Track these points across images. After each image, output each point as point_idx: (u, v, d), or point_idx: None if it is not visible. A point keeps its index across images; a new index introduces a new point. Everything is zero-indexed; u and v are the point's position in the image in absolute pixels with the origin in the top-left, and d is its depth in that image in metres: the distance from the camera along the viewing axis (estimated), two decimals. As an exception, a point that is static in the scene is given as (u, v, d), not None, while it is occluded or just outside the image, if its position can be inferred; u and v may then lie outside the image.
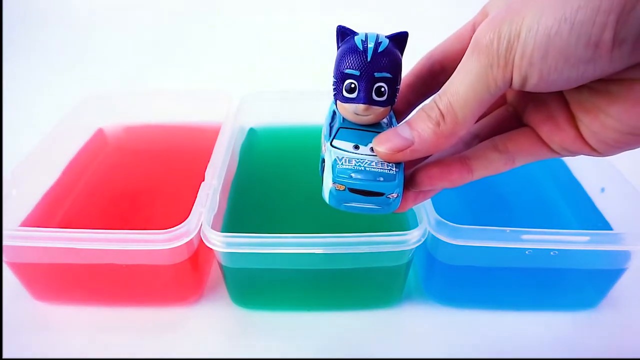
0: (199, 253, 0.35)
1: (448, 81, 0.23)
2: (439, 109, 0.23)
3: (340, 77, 0.26)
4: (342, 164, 0.25)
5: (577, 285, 0.36)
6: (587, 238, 0.31)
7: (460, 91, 0.22)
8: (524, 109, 0.27)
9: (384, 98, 0.25)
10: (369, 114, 0.26)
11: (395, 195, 0.25)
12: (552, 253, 0.32)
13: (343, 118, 0.27)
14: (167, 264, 0.33)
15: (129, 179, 0.45)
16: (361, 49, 0.25)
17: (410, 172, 0.26)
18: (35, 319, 0.36)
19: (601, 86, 0.22)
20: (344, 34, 0.27)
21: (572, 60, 0.20)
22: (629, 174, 0.38)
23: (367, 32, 0.26)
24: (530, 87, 0.21)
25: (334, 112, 0.28)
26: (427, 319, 0.37)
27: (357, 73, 0.25)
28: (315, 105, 0.51)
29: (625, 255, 0.33)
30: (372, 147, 0.26)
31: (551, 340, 0.35)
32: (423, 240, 0.32)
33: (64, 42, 0.89)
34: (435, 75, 0.27)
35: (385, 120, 0.27)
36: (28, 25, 0.93)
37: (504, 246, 0.32)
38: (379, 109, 0.26)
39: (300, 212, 0.40)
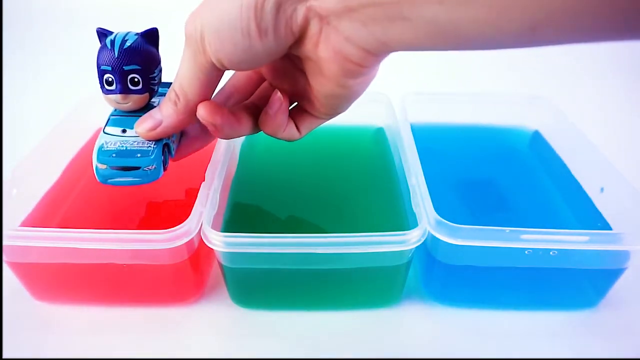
0: (199, 253, 0.35)
1: (178, 68, 0.29)
2: (175, 91, 0.29)
3: (99, 73, 0.30)
4: (107, 147, 0.30)
5: (577, 285, 0.36)
6: (586, 238, 0.31)
7: (184, 74, 0.28)
8: (277, 81, 0.32)
9: (140, 87, 0.30)
10: (128, 102, 0.31)
11: (152, 167, 0.30)
12: (551, 253, 0.32)
13: (115, 108, 0.32)
14: (167, 263, 0.33)
15: (129, 179, 0.45)
16: (109, 47, 0.30)
17: None
18: (35, 319, 0.36)
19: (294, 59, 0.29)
20: (103, 35, 0.31)
21: (239, 48, 0.25)
22: (629, 174, 0.38)
23: (119, 32, 0.31)
24: (229, 67, 0.27)
25: None
26: (427, 319, 0.37)
27: (109, 68, 0.30)
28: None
29: (624, 255, 0.33)
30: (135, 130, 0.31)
31: (551, 340, 0.35)
32: (423, 240, 0.32)
33: (64, 41, 0.89)
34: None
35: (158, 102, 0.32)
36: (28, 25, 0.93)
37: (503, 246, 0.32)
38: (136, 97, 0.31)
39: (300, 212, 0.40)
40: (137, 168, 0.30)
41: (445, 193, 0.42)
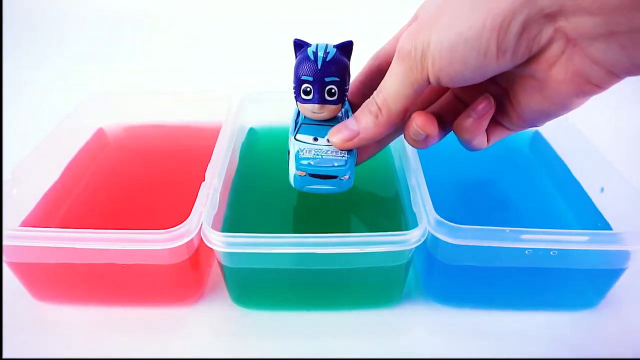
0: (199, 253, 0.35)
1: (383, 80, 0.29)
2: (377, 104, 0.29)
3: (297, 82, 0.32)
4: (303, 154, 0.31)
5: (577, 285, 0.36)
6: (586, 238, 0.31)
7: (391, 88, 0.28)
8: (466, 94, 0.32)
9: (335, 98, 0.31)
10: (323, 112, 0.32)
11: (347, 177, 0.31)
12: (552, 253, 0.32)
13: (304, 115, 0.33)
14: (167, 263, 0.33)
15: (129, 179, 0.45)
16: (312, 59, 0.31)
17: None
18: (35, 319, 0.36)
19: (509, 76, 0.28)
20: (299, 46, 0.33)
21: (470, 66, 0.25)
22: (629, 174, 0.38)
23: (318, 43, 0.32)
24: (444, 84, 0.26)
25: (298, 111, 0.34)
26: (427, 319, 0.37)
27: (311, 79, 0.31)
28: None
29: (624, 255, 0.33)
30: (328, 139, 0.32)
31: (551, 340, 0.35)
32: (423, 240, 0.32)
33: (64, 42, 0.89)
34: (382, 72, 0.32)
35: (340, 114, 0.33)
36: (28, 25, 0.93)
37: (503, 246, 0.32)
38: (331, 107, 0.32)
39: (300, 211, 0.40)
40: (334, 177, 0.31)
41: (445, 193, 0.42)
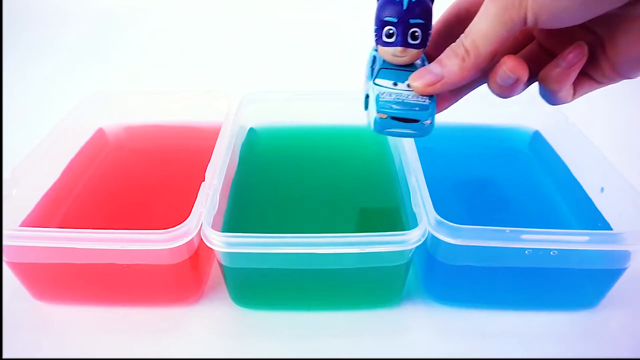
0: (199, 253, 0.35)
1: (471, 23, 0.28)
2: (464, 46, 0.28)
3: (380, 24, 0.30)
4: (384, 97, 0.30)
5: (577, 285, 0.36)
6: (586, 238, 0.31)
7: (481, 29, 0.27)
8: (554, 42, 0.30)
9: (418, 41, 0.30)
10: (405, 55, 0.30)
11: (429, 122, 0.30)
12: (552, 253, 0.32)
13: (383, 60, 0.32)
14: (167, 263, 0.33)
15: (129, 179, 0.45)
16: (398, 0, 0.30)
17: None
18: (35, 319, 0.36)
19: (611, 19, 0.26)
20: None
21: (578, 1, 0.23)
22: (629, 174, 0.38)
23: None
24: (541, 24, 0.25)
25: (374, 57, 0.33)
26: (427, 319, 0.37)
27: (395, 20, 0.30)
28: (315, 105, 0.51)
29: (625, 255, 0.33)
30: (408, 84, 0.31)
31: (551, 340, 0.35)
32: (423, 240, 0.32)
33: (64, 41, 0.89)
34: (462, 20, 0.31)
35: (418, 61, 0.32)
36: (28, 25, 0.93)
37: (503, 246, 0.32)
38: (414, 51, 0.30)
39: (300, 211, 0.40)
40: (416, 121, 0.30)
41: (445, 193, 0.42)
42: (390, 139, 0.48)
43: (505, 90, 0.30)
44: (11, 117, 0.62)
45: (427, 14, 0.30)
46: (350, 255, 0.32)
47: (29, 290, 0.37)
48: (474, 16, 0.29)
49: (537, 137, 0.50)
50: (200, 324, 0.36)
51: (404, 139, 0.43)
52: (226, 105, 0.47)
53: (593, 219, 0.39)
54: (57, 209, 0.40)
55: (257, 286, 0.36)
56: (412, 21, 0.30)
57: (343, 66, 0.80)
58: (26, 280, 0.36)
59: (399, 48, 0.30)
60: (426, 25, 0.30)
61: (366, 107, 0.33)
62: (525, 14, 0.25)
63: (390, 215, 0.40)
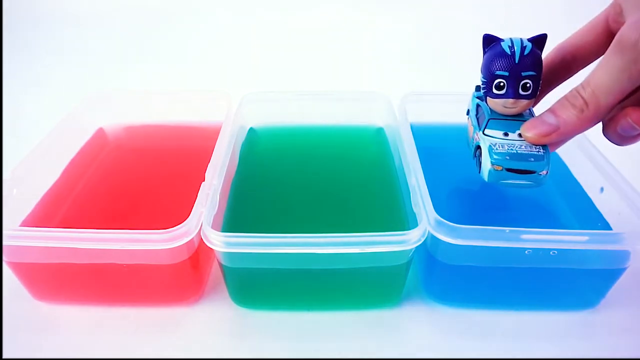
0: (199, 253, 0.35)
1: (590, 74, 0.27)
2: (583, 98, 0.28)
3: (490, 77, 0.31)
4: (496, 148, 0.31)
5: (577, 285, 0.36)
6: (586, 238, 0.31)
7: (604, 82, 0.26)
8: None
9: (529, 92, 0.31)
10: (516, 107, 0.31)
11: (545, 172, 0.30)
12: (551, 253, 0.32)
13: (491, 110, 0.33)
14: (168, 263, 0.33)
15: (129, 179, 0.45)
16: (509, 53, 0.30)
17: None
18: (35, 319, 0.36)
19: None
20: (489, 40, 0.32)
21: None
22: (629, 174, 0.38)
23: (511, 37, 0.31)
24: None
25: (478, 106, 0.34)
26: (427, 319, 0.37)
27: (507, 74, 0.31)
28: (315, 105, 0.51)
29: (625, 255, 0.33)
30: (519, 134, 0.31)
31: (551, 340, 0.35)
32: (423, 240, 0.32)
33: (64, 41, 0.89)
34: (567, 65, 0.32)
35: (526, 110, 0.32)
36: (28, 25, 0.93)
37: (503, 246, 0.32)
38: (524, 102, 0.31)
39: (300, 212, 0.40)
40: (532, 172, 0.30)
41: (445, 193, 0.42)
42: (391, 139, 0.48)
43: (626, 140, 0.30)
44: (11, 117, 0.62)
45: (538, 64, 0.31)
46: (350, 255, 0.32)
47: (29, 290, 0.37)
48: (581, 62, 0.31)
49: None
50: (200, 324, 0.36)
51: (403, 138, 0.43)
52: (226, 105, 0.47)
53: (593, 219, 0.39)
54: (57, 209, 0.40)
55: (257, 286, 0.36)
56: (524, 74, 0.30)
57: (343, 66, 0.81)
58: (26, 280, 0.36)
59: (510, 100, 0.31)
60: (537, 76, 0.31)
61: (474, 156, 0.34)
62: None
63: (390, 215, 0.40)
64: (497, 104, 0.32)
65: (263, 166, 0.46)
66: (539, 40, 0.31)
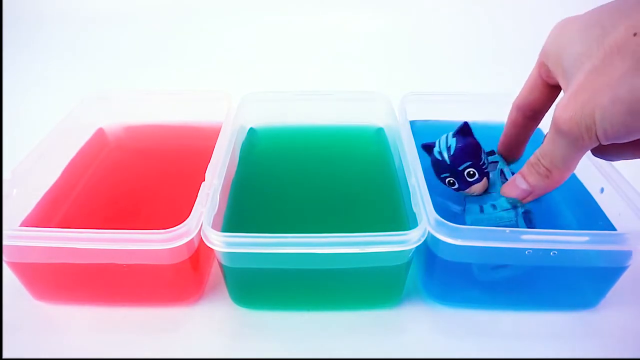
0: (199, 253, 0.35)
1: (544, 144, 0.29)
2: (545, 167, 0.30)
3: (441, 180, 0.36)
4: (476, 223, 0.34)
5: (577, 284, 0.36)
6: (587, 238, 0.31)
7: (557, 155, 0.29)
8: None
9: (476, 177, 0.34)
10: (474, 191, 0.35)
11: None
12: (551, 253, 0.32)
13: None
14: (168, 263, 0.33)
15: (129, 179, 0.45)
16: (440, 159, 0.35)
17: None
18: (35, 319, 0.36)
19: None
20: (426, 148, 0.37)
21: None
22: (629, 174, 0.38)
23: (439, 140, 0.36)
24: (612, 142, 0.26)
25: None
26: (427, 319, 0.37)
27: (448, 174, 0.35)
28: (314, 105, 0.51)
29: (625, 254, 0.33)
30: (492, 204, 0.35)
31: (551, 340, 0.35)
32: (423, 240, 0.32)
33: (64, 41, 0.89)
34: (531, 119, 0.35)
35: (492, 176, 0.36)
36: (28, 25, 0.93)
37: (504, 246, 0.32)
38: (478, 185, 0.35)
39: (300, 212, 0.40)
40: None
41: (445, 193, 0.42)
42: (391, 140, 0.48)
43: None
44: (11, 117, 0.62)
45: (470, 153, 0.34)
46: (350, 255, 0.32)
47: (29, 290, 0.37)
48: (542, 113, 0.34)
49: (536, 135, 0.50)
50: (200, 324, 0.36)
51: (403, 138, 0.43)
52: (226, 105, 0.47)
53: (594, 219, 0.39)
54: (57, 209, 0.40)
55: (257, 286, 0.36)
56: (460, 168, 0.34)
57: (343, 66, 0.81)
58: (26, 280, 0.36)
59: (464, 190, 0.35)
60: (475, 162, 0.34)
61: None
62: (598, 140, 0.26)
63: (390, 215, 0.40)
64: (461, 194, 0.36)
65: (263, 166, 0.46)
66: (462, 130, 0.35)
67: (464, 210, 0.36)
